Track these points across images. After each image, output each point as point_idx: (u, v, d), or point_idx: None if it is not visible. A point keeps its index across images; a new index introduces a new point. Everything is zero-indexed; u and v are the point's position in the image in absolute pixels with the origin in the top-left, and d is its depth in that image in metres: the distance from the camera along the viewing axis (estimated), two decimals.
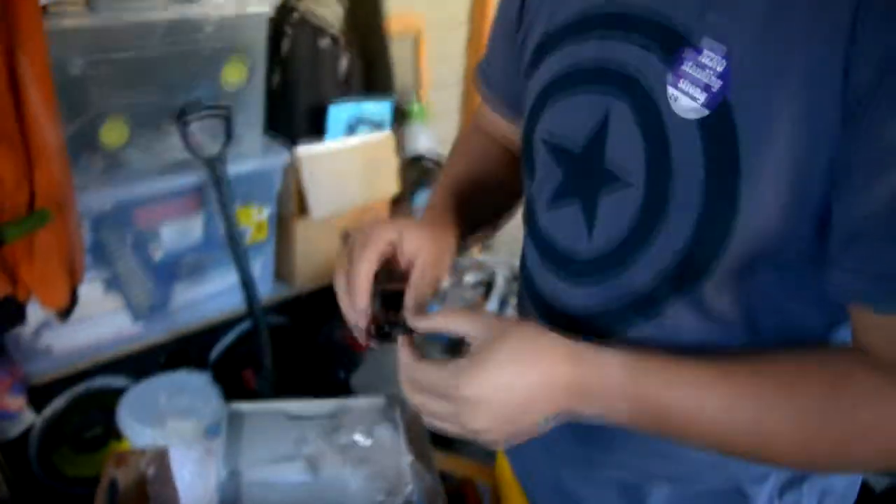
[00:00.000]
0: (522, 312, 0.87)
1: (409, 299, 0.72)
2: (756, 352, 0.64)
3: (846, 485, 0.81)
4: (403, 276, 0.75)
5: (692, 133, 0.60)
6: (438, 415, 0.63)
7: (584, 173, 0.69)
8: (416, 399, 0.64)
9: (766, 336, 0.66)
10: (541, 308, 0.79)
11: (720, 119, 0.58)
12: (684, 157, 0.61)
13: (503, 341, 0.61)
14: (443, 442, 1.02)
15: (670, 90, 0.61)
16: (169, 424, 0.89)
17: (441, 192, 0.87)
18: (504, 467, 0.99)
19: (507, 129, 0.92)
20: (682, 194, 0.61)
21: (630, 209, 0.65)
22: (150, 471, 0.95)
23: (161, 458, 0.96)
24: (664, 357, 0.63)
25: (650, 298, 0.67)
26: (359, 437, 0.97)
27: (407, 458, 0.95)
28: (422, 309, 0.72)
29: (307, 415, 1.02)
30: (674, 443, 0.65)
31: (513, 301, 1.99)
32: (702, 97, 0.59)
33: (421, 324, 0.68)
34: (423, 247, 0.75)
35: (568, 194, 0.72)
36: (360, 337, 0.74)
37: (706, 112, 0.59)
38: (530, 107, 0.76)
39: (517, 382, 0.60)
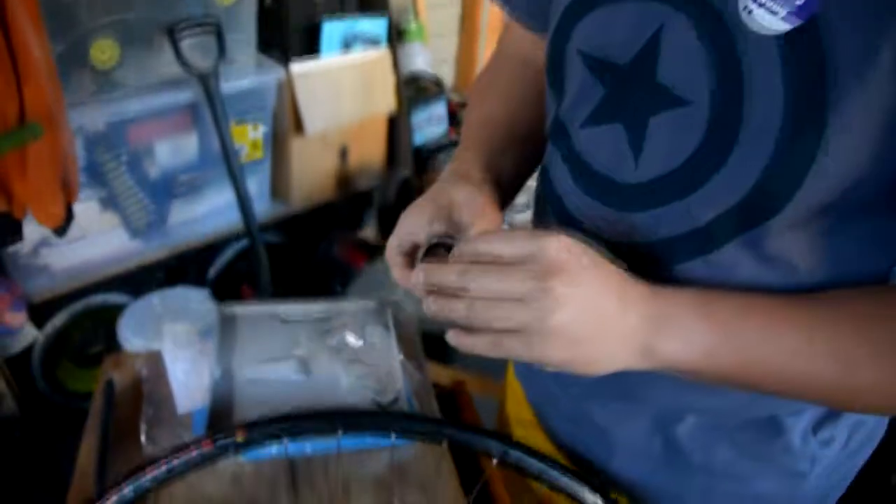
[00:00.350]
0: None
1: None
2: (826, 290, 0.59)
3: (877, 420, 0.79)
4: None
5: (770, 51, 0.52)
6: (510, 293, 0.53)
7: (631, 90, 0.61)
8: (476, 280, 0.54)
9: (823, 278, 0.60)
10: (573, 233, 0.73)
11: (806, 36, 0.50)
12: (760, 78, 0.53)
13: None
14: (436, 356, 1.03)
15: (743, 1, 0.53)
16: (164, 328, 0.90)
17: (470, 149, 0.77)
18: (513, 388, 0.98)
19: (539, 47, 0.81)
20: (756, 121, 0.54)
21: (689, 132, 0.58)
22: (145, 371, 0.96)
23: (156, 358, 0.98)
24: (735, 291, 0.59)
25: (705, 233, 0.60)
26: (350, 338, 0.98)
27: (397, 358, 0.96)
28: None
29: (299, 317, 1.03)
30: (748, 390, 0.61)
31: (508, 215, 1.99)
32: (783, 9, 0.51)
33: (472, 246, 0.57)
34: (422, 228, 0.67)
35: (610, 112, 0.64)
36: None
37: (788, 27, 0.50)
38: (561, 14, 0.67)
39: (601, 288, 0.55)
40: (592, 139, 0.67)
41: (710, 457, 0.75)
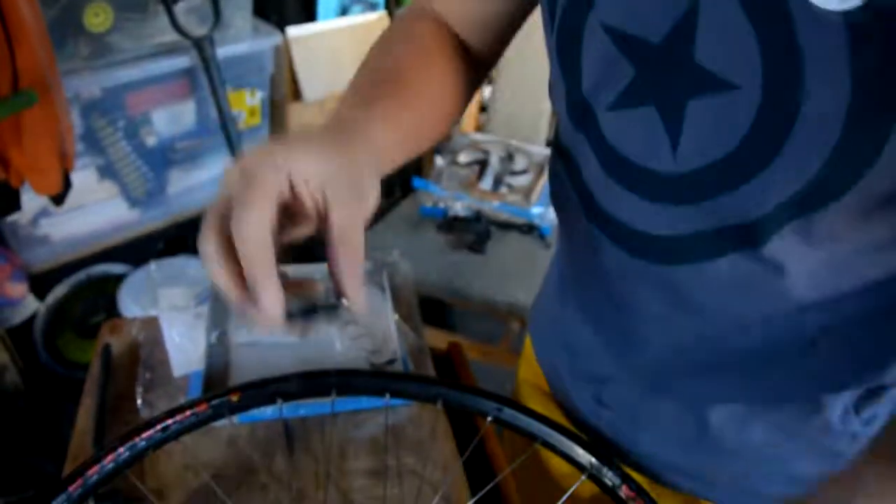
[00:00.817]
0: (568, 218, 0.75)
1: (346, 276, 0.54)
2: None
3: None
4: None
5: (834, 30, 0.45)
6: None
7: (665, 70, 0.55)
8: None
9: (879, 270, 0.56)
10: (604, 225, 0.67)
11: (877, 15, 0.43)
12: (822, 61, 0.46)
13: None
14: (433, 321, 1.02)
15: None
16: (159, 293, 0.90)
17: (352, 96, 0.64)
18: (529, 360, 0.97)
19: (470, 9, 0.73)
20: (817, 109, 0.47)
21: (736, 119, 0.51)
22: (142, 336, 0.96)
23: (152, 323, 0.98)
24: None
25: (753, 226, 0.56)
26: (346, 300, 0.98)
27: (393, 319, 0.96)
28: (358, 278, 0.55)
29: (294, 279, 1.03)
30: None
31: (508, 179, 1.98)
32: None
33: None
34: (330, 180, 0.52)
35: (641, 94, 0.57)
36: (269, 320, 0.52)
37: (857, 2, 0.43)
38: None
39: None
40: (622, 124, 0.60)
41: (745, 439, 0.73)
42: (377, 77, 0.67)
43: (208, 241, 0.53)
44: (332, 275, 0.55)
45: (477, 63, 0.77)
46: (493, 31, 0.75)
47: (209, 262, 0.53)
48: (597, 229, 0.67)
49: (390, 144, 0.61)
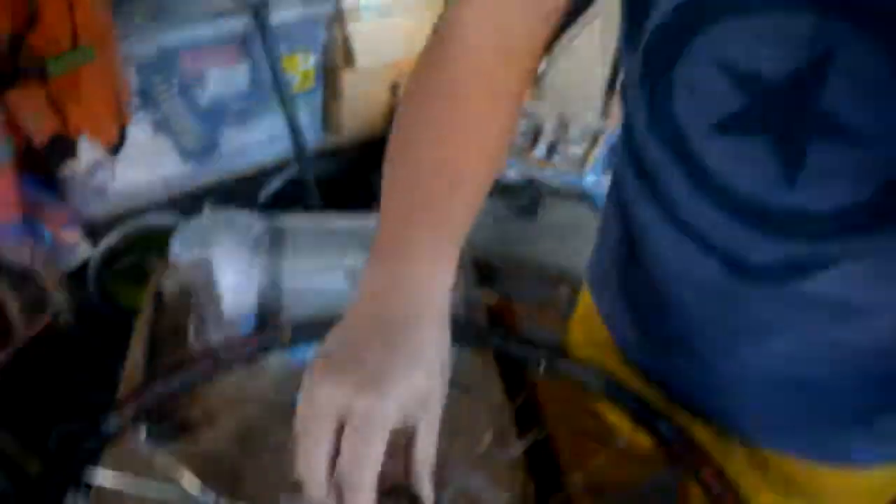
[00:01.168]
0: (639, 216, 0.71)
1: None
2: None
3: None
4: None
5: None
6: None
7: (784, 108, 0.51)
8: None
9: None
10: (692, 237, 0.62)
11: None
12: None
13: None
14: (484, 282, 1.01)
15: None
16: (213, 238, 0.90)
17: (402, 211, 0.60)
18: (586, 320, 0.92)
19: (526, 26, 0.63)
20: None
21: (867, 176, 0.49)
22: (194, 280, 0.97)
23: (205, 267, 0.98)
24: None
25: (858, 255, 0.54)
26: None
27: None
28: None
29: (348, 228, 1.03)
30: None
31: (561, 148, 1.95)
32: None
33: None
34: (425, 413, 0.50)
35: (752, 125, 0.53)
36: None
37: None
38: (674, 10, 0.53)
39: None
40: (726, 149, 0.56)
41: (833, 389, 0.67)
42: (422, 179, 0.61)
43: (318, 470, 0.48)
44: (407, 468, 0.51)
45: (520, 68, 0.66)
46: (542, 30, 0.65)
47: (313, 486, 0.48)
48: (686, 238, 0.63)
49: (456, 250, 0.57)
